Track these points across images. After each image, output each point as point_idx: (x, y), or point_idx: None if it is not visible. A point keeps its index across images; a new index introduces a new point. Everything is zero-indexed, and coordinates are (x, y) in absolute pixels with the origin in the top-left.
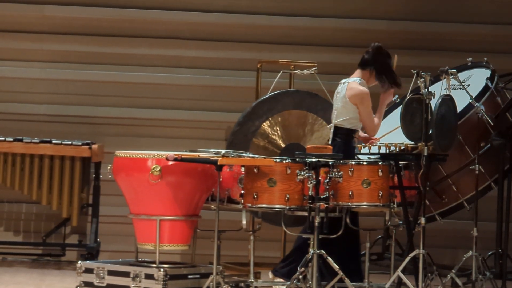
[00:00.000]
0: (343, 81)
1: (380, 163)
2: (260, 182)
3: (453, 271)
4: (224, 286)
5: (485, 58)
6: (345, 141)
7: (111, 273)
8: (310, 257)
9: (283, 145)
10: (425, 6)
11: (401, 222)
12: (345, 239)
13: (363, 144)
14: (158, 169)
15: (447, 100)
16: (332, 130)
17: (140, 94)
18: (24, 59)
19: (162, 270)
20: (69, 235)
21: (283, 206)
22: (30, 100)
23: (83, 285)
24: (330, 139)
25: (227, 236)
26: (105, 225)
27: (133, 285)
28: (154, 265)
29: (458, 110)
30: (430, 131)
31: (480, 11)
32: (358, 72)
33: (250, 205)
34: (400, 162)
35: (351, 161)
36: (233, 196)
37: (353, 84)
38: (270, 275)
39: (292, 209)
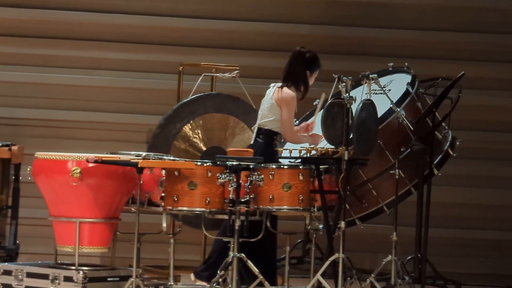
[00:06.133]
0: (272, 84)
1: (301, 167)
2: (181, 185)
3: (372, 275)
4: None
5: (406, 64)
6: (266, 142)
7: (30, 275)
8: (230, 260)
9: (204, 148)
10: (347, 11)
11: (321, 226)
12: (263, 242)
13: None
14: (78, 171)
15: (368, 105)
16: (255, 131)
17: (61, 95)
18: None
19: (81, 272)
20: None
21: (203, 209)
22: None
23: (1, 287)
24: (252, 139)
25: (147, 239)
26: (24, 227)
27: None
28: (74, 267)
29: (379, 115)
30: (351, 136)
31: (402, 17)
32: None
33: (170, 208)
34: (320, 166)
35: (272, 165)
36: (154, 199)
37: (282, 87)
38: (192, 277)
39: (213, 212)
